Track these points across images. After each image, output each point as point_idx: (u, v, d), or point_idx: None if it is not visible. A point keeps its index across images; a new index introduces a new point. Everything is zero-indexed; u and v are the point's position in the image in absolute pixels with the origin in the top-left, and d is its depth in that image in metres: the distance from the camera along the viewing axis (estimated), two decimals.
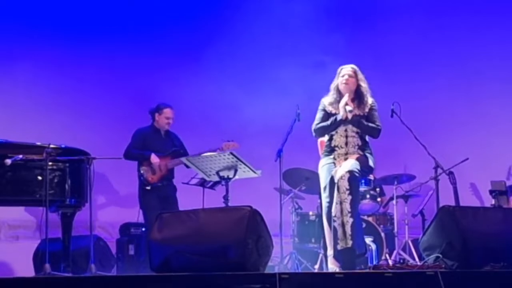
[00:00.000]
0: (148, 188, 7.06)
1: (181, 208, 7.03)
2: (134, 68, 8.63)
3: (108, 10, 8.62)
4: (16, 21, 8.36)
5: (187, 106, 8.31)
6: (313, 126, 5.82)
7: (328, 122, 5.74)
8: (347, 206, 5.42)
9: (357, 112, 5.72)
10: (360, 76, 5.80)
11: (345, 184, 5.45)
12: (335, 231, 5.44)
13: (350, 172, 5.49)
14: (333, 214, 5.47)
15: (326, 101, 5.85)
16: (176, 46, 8.74)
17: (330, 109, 5.79)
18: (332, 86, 5.85)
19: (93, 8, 8.57)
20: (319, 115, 5.83)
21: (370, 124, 5.72)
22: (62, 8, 8.48)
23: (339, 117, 5.69)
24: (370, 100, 5.79)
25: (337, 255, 5.45)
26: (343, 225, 5.41)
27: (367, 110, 5.75)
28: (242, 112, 8.45)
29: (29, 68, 8.26)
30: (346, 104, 5.68)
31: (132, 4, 8.73)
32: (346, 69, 5.80)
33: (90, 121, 8.35)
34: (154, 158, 7.04)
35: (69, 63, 8.45)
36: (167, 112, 7.25)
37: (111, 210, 8.41)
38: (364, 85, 5.79)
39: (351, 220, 5.41)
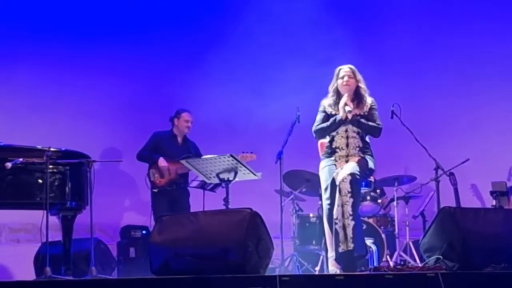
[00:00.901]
0: (156, 190, 7.13)
1: None
2: (138, 72, 8.64)
3: (113, 12, 8.61)
4: (18, 23, 8.36)
5: (191, 106, 8.32)
6: (313, 128, 5.82)
7: (328, 123, 5.73)
8: (348, 209, 5.41)
9: (356, 111, 5.71)
10: (359, 76, 5.79)
11: (346, 187, 5.44)
12: (336, 234, 5.44)
13: (352, 174, 5.47)
14: (334, 217, 5.46)
15: (325, 102, 5.84)
16: (180, 48, 8.73)
17: (330, 110, 5.79)
18: (331, 88, 5.84)
19: (97, 10, 8.56)
20: (319, 116, 5.83)
21: (370, 123, 5.70)
22: (65, 10, 8.47)
23: (338, 117, 5.68)
24: (369, 99, 5.78)
25: (339, 258, 5.44)
26: (344, 227, 5.40)
27: (366, 109, 5.74)
28: (242, 113, 8.47)
29: (30, 71, 8.25)
30: (346, 104, 5.68)
31: (136, 6, 8.73)
32: (345, 70, 5.78)
33: (92, 124, 8.34)
34: (161, 162, 7.11)
35: (71, 65, 8.43)
36: (185, 115, 7.39)
37: (112, 213, 8.39)
38: (363, 85, 5.79)
39: (352, 223, 5.40)
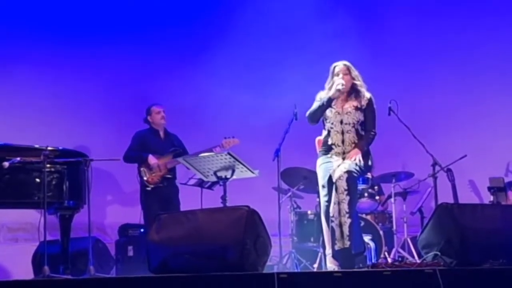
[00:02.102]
0: (149, 188, 7.11)
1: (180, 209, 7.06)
2: (134, 70, 8.64)
3: (108, 12, 8.62)
4: (14, 24, 8.36)
5: (186, 106, 8.32)
6: (307, 114, 5.80)
7: (319, 103, 5.69)
8: (345, 207, 5.40)
9: (354, 104, 5.69)
10: (354, 72, 5.75)
11: (343, 185, 5.43)
12: (332, 231, 5.43)
13: (349, 172, 5.46)
14: (331, 214, 5.46)
15: (322, 94, 5.81)
16: (175, 47, 8.74)
17: None
18: (327, 85, 5.81)
19: (92, 11, 8.57)
20: (314, 105, 5.80)
21: (370, 137, 5.68)
22: (60, 11, 8.49)
23: (330, 94, 5.63)
24: (367, 94, 5.75)
25: (335, 255, 5.44)
26: (340, 225, 5.40)
27: (364, 103, 5.71)
28: (240, 111, 8.47)
29: (27, 71, 8.27)
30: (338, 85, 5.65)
31: (132, 6, 8.72)
32: (339, 67, 5.74)
33: (89, 123, 8.36)
34: (151, 159, 7.10)
35: (68, 65, 8.45)
36: (155, 108, 7.41)
37: (110, 211, 8.42)
38: (358, 81, 5.76)
39: (349, 220, 5.39)
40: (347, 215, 5.39)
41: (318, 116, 5.74)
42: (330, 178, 5.55)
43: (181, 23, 8.76)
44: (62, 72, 8.42)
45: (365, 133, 5.73)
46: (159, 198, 7.11)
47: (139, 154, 7.19)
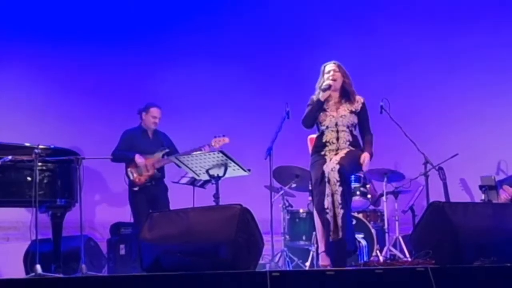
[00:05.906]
0: (136, 189, 7.06)
1: (171, 207, 7.05)
2: (127, 69, 8.63)
3: (100, 11, 8.61)
4: (5, 22, 8.34)
5: (179, 103, 8.31)
6: (301, 119, 5.81)
7: (311, 106, 5.71)
8: (338, 198, 5.40)
9: (349, 108, 5.72)
10: (344, 70, 5.78)
11: (335, 176, 5.43)
12: (327, 223, 5.42)
13: (340, 164, 5.48)
14: (325, 206, 5.44)
15: (314, 97, 5.83)
16: (169, 45, 8.73)
17: None
18: (318, 85, 5.83)
19: (83, 9, 8.56)
20: (307, 109, 5.81)
21: (372, 140, 5.73)
22: (52, 10, 8.46)
23: (316, 97, 5.67)
24: (361, 98, 5.77)
25: (329, 247, 5.44)
26: (335, 216, 5.40)
27: (358, 107, 5.73)
28: (233, 109, 8.47)
29: (19, 70, 8.25)
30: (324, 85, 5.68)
31: (125, 4, 8.71)
32: (330, 66, 5.78)
33: (81, 122, 8.34)
34: (138, 158, 7.05)
35: (60, 64, 8.44)
36: (154, 111, 7.28)
37: (102, 210, 8.40)
38: (348, 80, 5.78)
39: (341, 211, 5.39)
40: (339, 206, 5.40)
41: (312, 119, 5.75)
42: (323, 173, 5.54)
43: (175, 20, 8.74)
44: (54, 71, 8.39)
45: (366, 136, 5.77)
46: (147, 197, 7.06)
47: (126, 153, 7.14)
